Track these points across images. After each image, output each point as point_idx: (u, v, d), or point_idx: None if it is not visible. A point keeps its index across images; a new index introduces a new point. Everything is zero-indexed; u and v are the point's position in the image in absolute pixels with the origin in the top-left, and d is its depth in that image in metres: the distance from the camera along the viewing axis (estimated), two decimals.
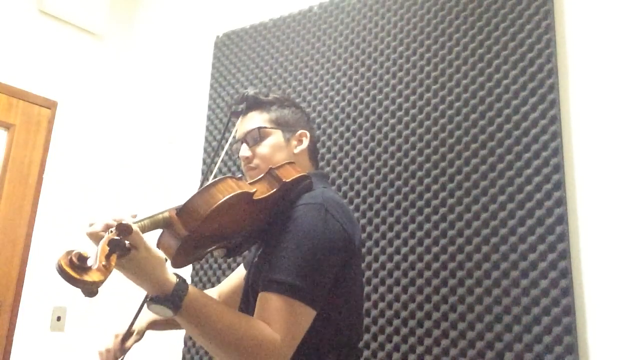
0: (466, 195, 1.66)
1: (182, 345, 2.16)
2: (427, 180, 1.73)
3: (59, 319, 2.48)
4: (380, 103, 1.91)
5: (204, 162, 2.35)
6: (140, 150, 2.77)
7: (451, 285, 1.61)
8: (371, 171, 1.86)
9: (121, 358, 1.27)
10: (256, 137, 1.26)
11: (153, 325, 1.35)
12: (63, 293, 2.50)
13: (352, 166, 1.90)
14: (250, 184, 1.12)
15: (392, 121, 1.86)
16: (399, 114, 1.85)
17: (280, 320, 0.97)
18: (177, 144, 2.59)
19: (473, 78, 1.73)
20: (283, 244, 1.05)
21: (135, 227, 0.91)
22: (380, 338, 1.69)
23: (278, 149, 1.26)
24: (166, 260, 0.99)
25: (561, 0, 1.68)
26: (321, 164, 1.97)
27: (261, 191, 1.10)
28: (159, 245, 1.02)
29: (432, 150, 1.75)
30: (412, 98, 1.84)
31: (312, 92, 2.09)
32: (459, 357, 1.55)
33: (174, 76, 2.73)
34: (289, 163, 1.19)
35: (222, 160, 2.24)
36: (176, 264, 1.06)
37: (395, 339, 1.66)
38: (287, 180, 1.12)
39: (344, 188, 1.89)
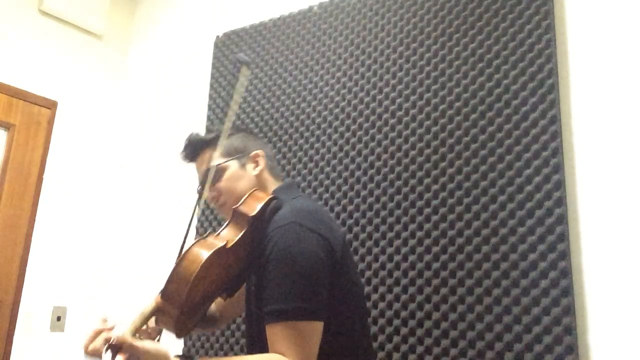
0: (466, 195, 1.66)
1: (182, 346, 2.16)
2: (427, 180, 1.73)
3: (59, 319, 2.48)
4: (380, 103, 1.90)
5: None
6: (140, 150, 2.77)
7: (451, 285, 1.61)
8: (371, 171, 1.85)
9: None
10: (214, 175, 1.28)
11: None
12: (63, 293, 2.51)
13: (352, 166, 1.90)
14: (217, 235, 1.13)
15: (392, 121, 1.86)
16: (399, 114, 1.85)
17: (291, 345, 1.01)
18: (177, 144, 2.58)
19: (473, 78, 1.73)
20: (268, 274, 1.08)
21: (128, 340, 0.95)
22: (381, 338, 1.69)
23: (238, 179, 1.28)
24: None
25: (561, 0, 1.68)
26: (321, 164, 1.97)
27: (233, 236, 1.12)
28: (158, 324, 1.07)
29: (432, 150, 1.75)
30: (412, 98, 1.84)
31: (312, 92, 2.09)
32: (459, 357, 1.55)
33: (174, 76, 2.73)
34: (250, 194, 1.20)
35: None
36: (181, 334, 1.09)
37: (396, 339, 1.66)
38: (254, 214, 1.14)
39: (344, 188, 1.89)
